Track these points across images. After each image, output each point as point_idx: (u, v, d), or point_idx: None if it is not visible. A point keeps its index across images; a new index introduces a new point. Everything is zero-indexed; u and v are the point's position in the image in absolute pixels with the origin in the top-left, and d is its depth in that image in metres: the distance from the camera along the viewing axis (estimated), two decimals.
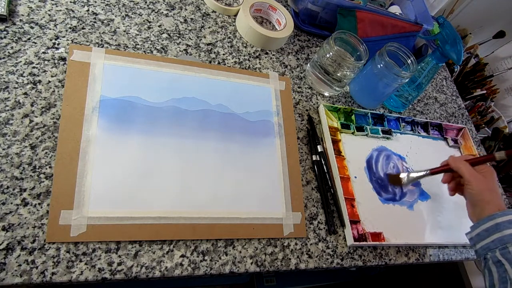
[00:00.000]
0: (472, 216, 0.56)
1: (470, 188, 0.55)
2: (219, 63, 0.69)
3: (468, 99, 1.09)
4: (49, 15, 0.59)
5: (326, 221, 0.61)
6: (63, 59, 0.57)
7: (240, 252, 0.53)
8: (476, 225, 0.53)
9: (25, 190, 0.46)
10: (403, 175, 0.67)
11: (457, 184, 0.60)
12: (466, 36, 1.15)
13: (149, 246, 0.49)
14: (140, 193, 0.51)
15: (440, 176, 0.62)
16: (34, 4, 0.59)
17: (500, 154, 0.54)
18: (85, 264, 0.45)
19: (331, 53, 0.68)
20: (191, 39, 0.69)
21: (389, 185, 0.68)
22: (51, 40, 0.57)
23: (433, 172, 0.62)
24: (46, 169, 0.48)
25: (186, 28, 0.70)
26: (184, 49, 0.67)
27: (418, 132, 0.80)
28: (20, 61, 0.54)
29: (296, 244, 0.57)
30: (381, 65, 0.69)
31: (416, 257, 0.64)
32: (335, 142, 0.68)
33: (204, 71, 0.64)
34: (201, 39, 0.70)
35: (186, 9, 0.72)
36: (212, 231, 0.52)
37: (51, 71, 0.55)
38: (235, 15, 0.77)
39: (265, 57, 0.74)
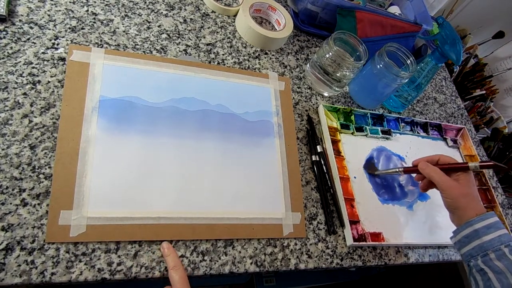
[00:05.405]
0: (452, 222, 0.55)
1: (445, 196, 0.54)
2: (218, 63, 0.69)
3: (468, 99, 1.09)
4: (49, 15, 0.59)
5: (325, 221, 0.61)
6: (63, 59, 0.57)
7: (240, 252, 0.53)
8: (457, 231, 0.53)
9: (24, 190, 0.46)
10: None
11: (429, 182, 0.59)
12: (465, 36, 1.15)
13: (149, 246, 0.49)
14: (139, 193, 0.51)
15: None
16: (34, 4, 0.59)
17: (475, 164, 0.53)
18: (85, 264, 0.45)
19: (330, 53, 0.68)
20: (191, 39, 0.69)
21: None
22: (50, 40, 0.57)
23: (406, 171, 0.63)
24: (46, 169, 0.48)
25: (185, 28, 0.70)
26: (184, 49, 0.67)
27: (418, 133, 0.80)
28: (20, 61, 0.54)
29: (295, 244, 0.57)
30: (381, 66, 0.69)
31: (415, 257, 0.64)
32: (335, 142, 0.68)
33: (204, 71, 0.64)
34: (200, 39, 0.70)
35: (185, 9, 0.72)
36: (212, 231, 0.52)
37: (50, 71, 0.55)
38: (235, 15, 0.77)
39: (265, 57, 0.74)
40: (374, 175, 0.69)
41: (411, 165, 0.61)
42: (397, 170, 0.64)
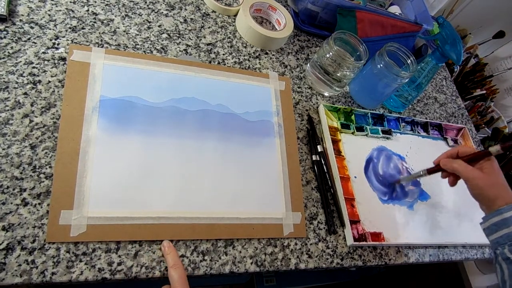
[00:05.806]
0: (481, 209, 0.54)
1: (471, 188, 0.53)
2: (219, 63, 0.69)
3: (468, 99, 1.09)
4: (49, 15, 0.59)
5: (326, 221, 0.61)
6: (63, 59, 0.57)
7: (240, 252, 0.53)
8: (486, 217, 0.52)
9: (25, 190, 0.46)
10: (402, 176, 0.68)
11: (455, 176, 0.57)
12: (465, 36, 1.15)
13: (149, 246, 0.49)
14: (140, 193, 0.51)
15: (438, 175, 0.62)
16: (34, 4, 0.59)
17: (496, 148, 0.52)
18: (85, 264, 0.45)
19: (331, 53, 0.68)
20: (191, 39, 0.69)
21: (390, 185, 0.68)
22: (51, 40, 0.57)
23: (430, 171, 0.61)
24: (46, 169, 0.48)
25: (186, 28, 0.70)
26: (184, 49, 0.67)
27: (418, 132, 0.80)
28: (20, 61, 0.54)
29: (296, 244, 0.57)
30: (381, 65, 0.69)
31: (416, 257, 0.64)
32: (335, 142, 0.68)
33: (204, 71, 0.64)
34: (201, 39, 0.70)
35: (186, 9, 0.72)
36: (212, 231, 0.52)
37: (51, 71, 0.55)
38: (235, 15, 0.77)
39: (265, 57, 0.74)
40: (399, 183, 0.68)
41: (433, 166, 0.61)
42: (421, 173, 0.63)
